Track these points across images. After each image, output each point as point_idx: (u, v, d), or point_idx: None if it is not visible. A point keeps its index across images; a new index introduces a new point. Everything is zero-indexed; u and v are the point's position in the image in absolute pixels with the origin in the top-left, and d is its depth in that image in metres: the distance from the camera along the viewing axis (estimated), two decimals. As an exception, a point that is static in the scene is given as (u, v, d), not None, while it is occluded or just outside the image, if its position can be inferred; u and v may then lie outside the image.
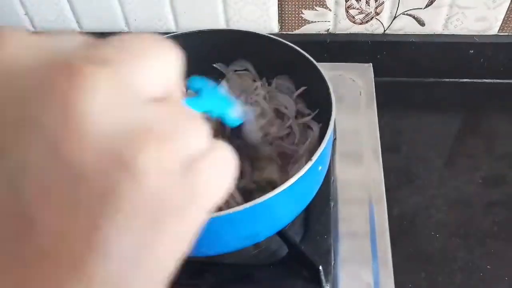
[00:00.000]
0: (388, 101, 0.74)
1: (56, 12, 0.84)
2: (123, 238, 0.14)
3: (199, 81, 0.53)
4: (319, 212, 0.46)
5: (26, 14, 0.85)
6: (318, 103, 0.51)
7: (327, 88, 0.46)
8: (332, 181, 0.55)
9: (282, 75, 0.65)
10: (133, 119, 0.14)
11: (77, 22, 0.85)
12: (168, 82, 0.17)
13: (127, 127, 0.14)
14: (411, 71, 0.81)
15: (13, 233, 0.13)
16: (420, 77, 0.81)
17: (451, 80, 0.81)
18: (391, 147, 0.67)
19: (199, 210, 0.16)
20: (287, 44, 0.56)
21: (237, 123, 0.53)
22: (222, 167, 0.17)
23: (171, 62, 0.17)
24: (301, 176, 0.38)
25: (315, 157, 0.39)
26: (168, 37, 0.62)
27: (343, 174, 0.58)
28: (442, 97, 0.80)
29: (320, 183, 0.46)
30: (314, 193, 0.46)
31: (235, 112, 0.52)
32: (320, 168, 0.43)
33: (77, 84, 0.13)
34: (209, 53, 0.63)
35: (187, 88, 0.51)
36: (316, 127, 0.54)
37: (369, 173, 0.59)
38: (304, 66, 0.53)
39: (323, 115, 0.46)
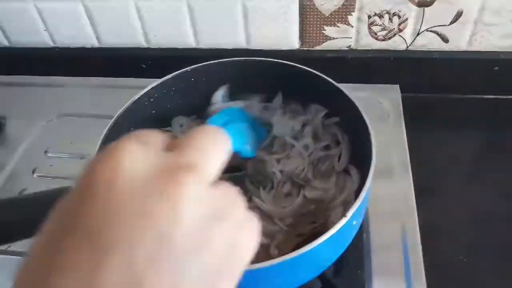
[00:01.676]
0: (410, 117, 0.73)
1: (76, 29, 0.84)
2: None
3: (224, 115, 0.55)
4: (352, 246, 0.45)
5: (46, 30, 0.85)
6: (354, 144, 0.50)
7: (368, 134, 0.45)
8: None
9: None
10: (209, 206, 0.22)
11: (97, 38, 0.85)
12: (222, 165, 0.24)
13: (206, 212, 0.21)
14: (434, 87, 0.80)
15: None
16: (443, 93, 0.80)
17: (474, 96, 0.80)
18: (412, 163, 0.66)
19: (240, 266, 0.23)
20: (322, 77, 0.55)
21: (251, 155, 0.55)
22: (255, 234, 0.24)
23: (226, 151, 0.25)
24: (333, 234, 0.37)
25: (350, 213, 0.38)
26: (191, 69, 0.62)
27: (375, 207, 0.57)
28: (465, 114, 0.78)
29: (354, 235, 0.45)
30: (347, 245, 0.45)
31: (249, 146, 0.54)
32: (354, 222, 0.42)
33: (179, 191, 0.20)
34: (232, 82, 0.62)
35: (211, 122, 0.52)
36: (355, 175, 0.52)
37: (400, 202, 0.58)
38: (343, 105, 0.52)
39: (358, 153, 0.45)
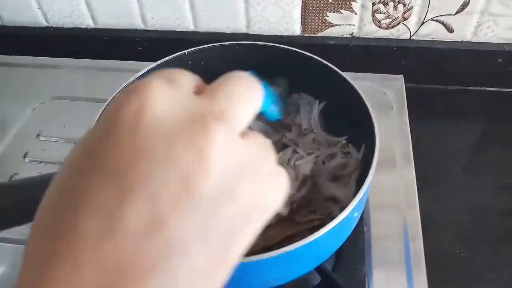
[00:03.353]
0: (411, 107, 0.72)
1: (71, 7, 0.81)
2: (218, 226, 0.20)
3: None
4: (352, 239, 0.45)
5: (40, 8, 0.83)
6: (356, 128, 0.49)
7: (371, 123, 0.44)
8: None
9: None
10: (238, 157, 0.20)
11: (92, 18, 0.82)
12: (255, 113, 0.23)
13: (234, 164, 0.20)
14: (436, 78, 0.79)
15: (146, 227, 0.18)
16: (445, 85, 0.79)
17: (476, 88, 0.79)
18: (414, 154, 0.65)
19: (266, 216, 0.22)
20: (325, 64, 0.53)
21: (277, 117, 0.52)
22: (283, 188, 0.23)
23: (260, 99, 0.23)
24: (334, 227, 0.36)
25: (351, 206, 0.37)
26: (188, 53, 0.60)
27: (376, 198, 0.56)
28: (466, 105, 0.77)
29: (354, 227, 0.44)
30: (347, 237, 0.44)
31: (275, 107, 0.50)
32: (355, 214, 0.41)
33: (208, 140, 0.19)
34: (230, 66, 0.60)
35: None
36: (355, 152, 0.52)
37: (401, 193, 0.57)
38: (343, 91, 0.51)
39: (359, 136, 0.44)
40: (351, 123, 0.52)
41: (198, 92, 0.22)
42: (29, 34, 0.86)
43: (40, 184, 0.45)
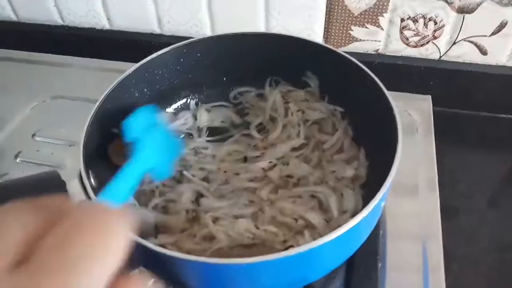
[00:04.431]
0: (437, 132, 0.67)
1: (87, 7, 0.79)
2: None
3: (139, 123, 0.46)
4: (366, 270, 0.40)
5: (56, 6, 0.81)
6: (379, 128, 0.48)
7: (394, 122, 0.44)
8: (380, 236, 0.49)
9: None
10: None
11: (108, 19, 0.80)
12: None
13: None
14: (466, 103, 0.74)
15: None
16: (474, 110, 0.74)
17: (509, 116, 0.73)
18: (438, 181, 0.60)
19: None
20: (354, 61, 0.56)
21: (165, 177, 0.48)
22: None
23: (124, 245, 0.17)
24: (364, 217, 0.35)
25: (379, 195, 0.36)
26: (200, 40, 0.61)
27: (395, 225, 0.52)
28: (496, 134, 0.72)
29: (378, 219, 0.43)
30: (372, 229, 0.42)
31: (168, 165, 0.45)
32: (382, 204, 0.40)
33: None
34: (229, 60, 0.62)
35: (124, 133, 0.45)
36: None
37: (424, 222, 0.52)
38: (366, 87, 0.53)
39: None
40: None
41: (26, 255, 0.16)
42: (44, 32, 0.84)
43: (29, 186, 0.42)
